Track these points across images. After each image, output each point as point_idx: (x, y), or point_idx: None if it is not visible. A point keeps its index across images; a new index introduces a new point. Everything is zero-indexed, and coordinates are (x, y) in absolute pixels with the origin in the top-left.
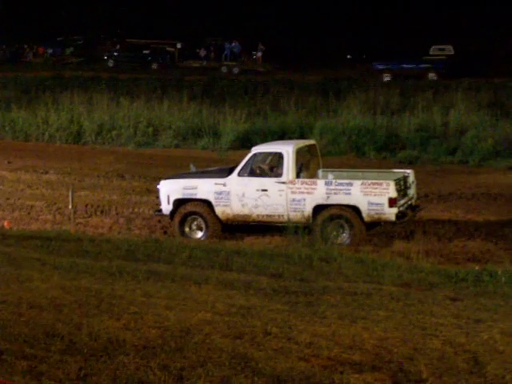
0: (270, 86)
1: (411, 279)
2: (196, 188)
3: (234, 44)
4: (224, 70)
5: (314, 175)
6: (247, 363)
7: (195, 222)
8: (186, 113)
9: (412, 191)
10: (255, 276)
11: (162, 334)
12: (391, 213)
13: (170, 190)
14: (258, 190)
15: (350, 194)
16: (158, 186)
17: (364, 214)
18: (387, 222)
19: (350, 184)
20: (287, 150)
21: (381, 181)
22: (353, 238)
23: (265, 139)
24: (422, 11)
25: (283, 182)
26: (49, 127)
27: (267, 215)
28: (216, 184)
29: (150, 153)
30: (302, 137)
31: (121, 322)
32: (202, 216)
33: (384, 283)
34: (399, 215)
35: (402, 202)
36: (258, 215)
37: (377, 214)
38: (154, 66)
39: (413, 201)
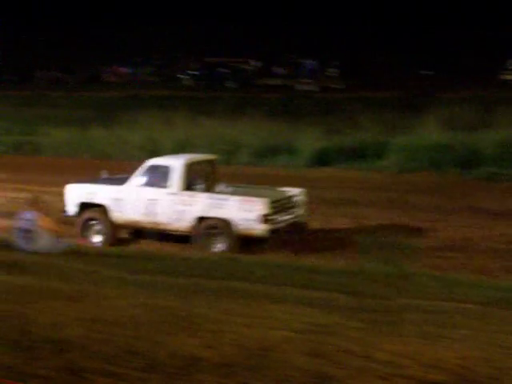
0: (346, 102)
1: (493, 297)
2: (96, 193)
3: (310, 61)
4: (300, 87)
5: (211, 189)
6: (327, 382)
7: (95, 227)
8: (262, 131)
9: (298, 210)
10: (334, 294)
11: (241, 352)
12: (262, 229)
13: (76, 194)
14: (148, 199)
15: (225, 208)
16: (65, 191)
17: (235, 228)
18: (259, 237)
19: (226, 199)
20: (176, 163)
21: (254, 198)
22: (227, 247)
23: (342, 156)
24: (490, 26)
25: (171, 193)
26: (126, 146)
27: (155, 223)
28: (113, 191)
29: (224, 171)
30: (378, 154)
31: (199, 340)
32: (99, 220)
33: (465, 301)
34: (272, 231)
35: (280, 219)
36: (147, 222)
37: (247, 229)
38: (231, 85)
39: (298, 219)
